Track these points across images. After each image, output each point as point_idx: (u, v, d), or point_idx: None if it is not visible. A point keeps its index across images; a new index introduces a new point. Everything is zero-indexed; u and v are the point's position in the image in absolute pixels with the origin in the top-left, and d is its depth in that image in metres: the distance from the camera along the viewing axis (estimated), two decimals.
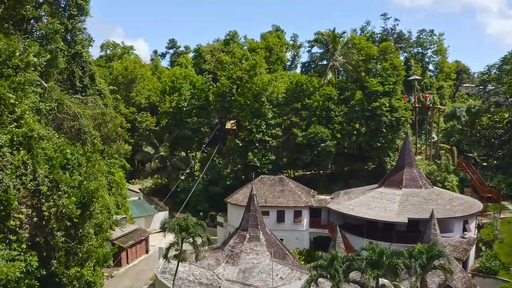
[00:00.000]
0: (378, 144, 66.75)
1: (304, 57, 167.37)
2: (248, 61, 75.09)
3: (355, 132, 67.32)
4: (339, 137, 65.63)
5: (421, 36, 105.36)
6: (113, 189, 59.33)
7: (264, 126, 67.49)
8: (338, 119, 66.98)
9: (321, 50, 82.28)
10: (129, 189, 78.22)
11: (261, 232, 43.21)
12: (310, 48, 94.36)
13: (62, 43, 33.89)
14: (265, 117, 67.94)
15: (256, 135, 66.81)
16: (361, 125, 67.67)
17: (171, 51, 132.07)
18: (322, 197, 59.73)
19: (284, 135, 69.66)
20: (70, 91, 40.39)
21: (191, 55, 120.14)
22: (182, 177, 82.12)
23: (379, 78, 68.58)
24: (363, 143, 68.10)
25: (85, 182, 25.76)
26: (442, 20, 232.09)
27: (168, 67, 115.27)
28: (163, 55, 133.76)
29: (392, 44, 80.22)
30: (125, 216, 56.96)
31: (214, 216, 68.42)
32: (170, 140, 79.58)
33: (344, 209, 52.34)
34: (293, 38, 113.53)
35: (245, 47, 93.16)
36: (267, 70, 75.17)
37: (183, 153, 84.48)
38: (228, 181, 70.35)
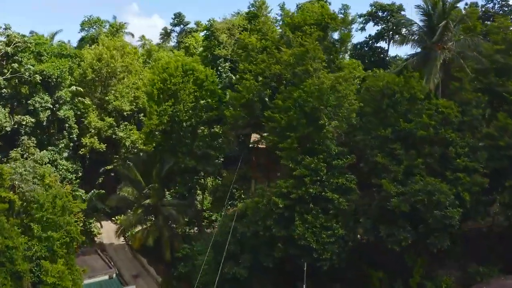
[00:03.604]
0: None
1: (357, 37, 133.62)
2: (289, 47, 44.29)
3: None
4: (467, 199, 34.69)
5: None
6: None
7: (324, 171, 37.01)
8: (464, 163, 35.80)
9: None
10: (101, 256, 50.31)
11: None
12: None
13: None
14: (327, 153, 37.50)
15: (310, 189, 36.37)
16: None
17: (178, 28, 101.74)
18: None
19: (359, 188, 38.83)
20: None
21: (203, 34, 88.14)
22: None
23: None
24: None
25: None
26: None
27: (173, 52, 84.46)
28: (167, 34, 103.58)
29: None
30: None
31: None
32: (161, 176, 49.28)
33: None
34: (341, 11, 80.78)
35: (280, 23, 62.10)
36: (325, 64, 43.58)
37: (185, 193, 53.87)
38: (257, 254, 40.82)
